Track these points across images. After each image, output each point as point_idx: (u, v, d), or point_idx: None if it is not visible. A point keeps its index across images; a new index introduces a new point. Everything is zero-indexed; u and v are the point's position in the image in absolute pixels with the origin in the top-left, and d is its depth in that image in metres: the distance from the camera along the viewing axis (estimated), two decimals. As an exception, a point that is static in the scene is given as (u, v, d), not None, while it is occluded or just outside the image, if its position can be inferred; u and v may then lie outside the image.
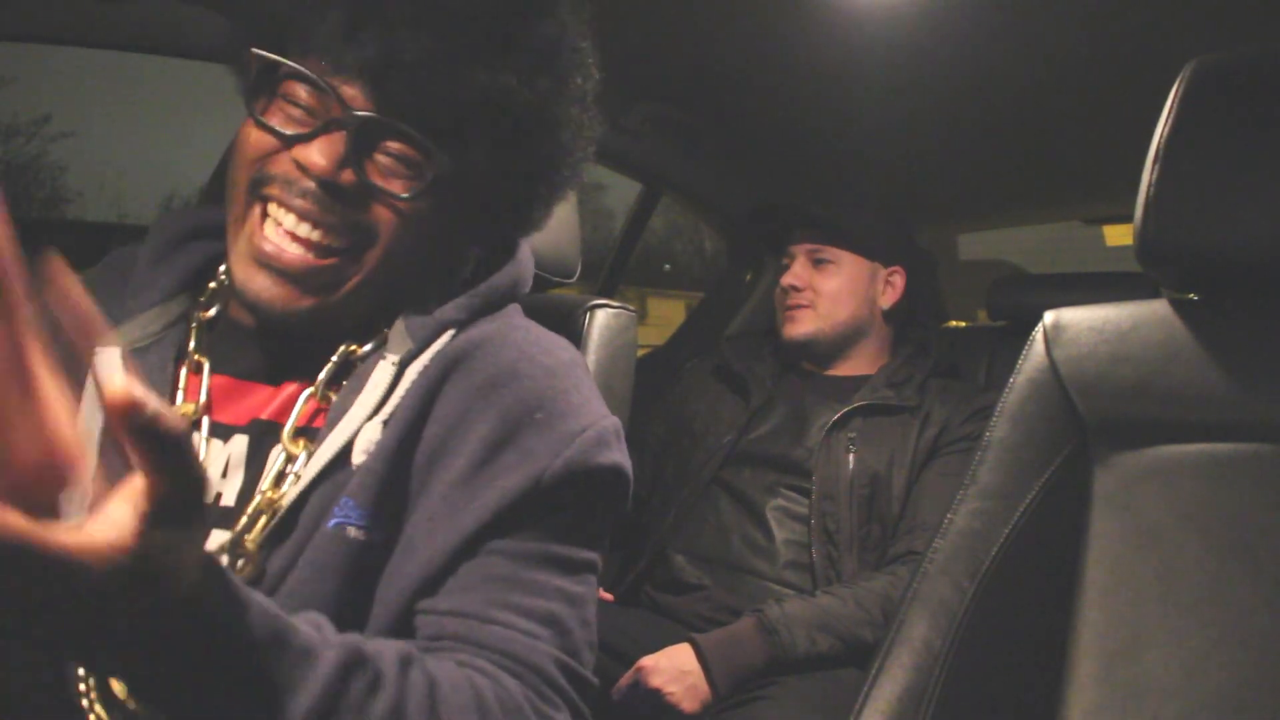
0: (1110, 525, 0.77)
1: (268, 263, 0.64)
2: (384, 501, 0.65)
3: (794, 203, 1.62)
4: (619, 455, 0.72)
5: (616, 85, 1.62)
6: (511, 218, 0.76)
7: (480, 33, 0.62)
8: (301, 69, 0.62)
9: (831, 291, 1.56)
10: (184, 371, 0.70)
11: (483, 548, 0.66)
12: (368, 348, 0.71)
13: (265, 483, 0.66)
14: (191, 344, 0.71)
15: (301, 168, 0.62)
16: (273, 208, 0.64)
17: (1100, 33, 1.35)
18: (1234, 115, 0.74)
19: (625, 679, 1.25)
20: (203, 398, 0.69)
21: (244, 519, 0.64)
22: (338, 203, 0.63)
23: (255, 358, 0.71)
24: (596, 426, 0.70)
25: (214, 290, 0.74)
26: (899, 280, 1.60)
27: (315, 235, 0.64)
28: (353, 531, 0.64)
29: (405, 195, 0.64)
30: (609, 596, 1.54)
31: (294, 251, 0.64)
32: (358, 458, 0.65)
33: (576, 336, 1.10)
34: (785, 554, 1.42)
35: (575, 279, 1.16)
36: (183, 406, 0.68)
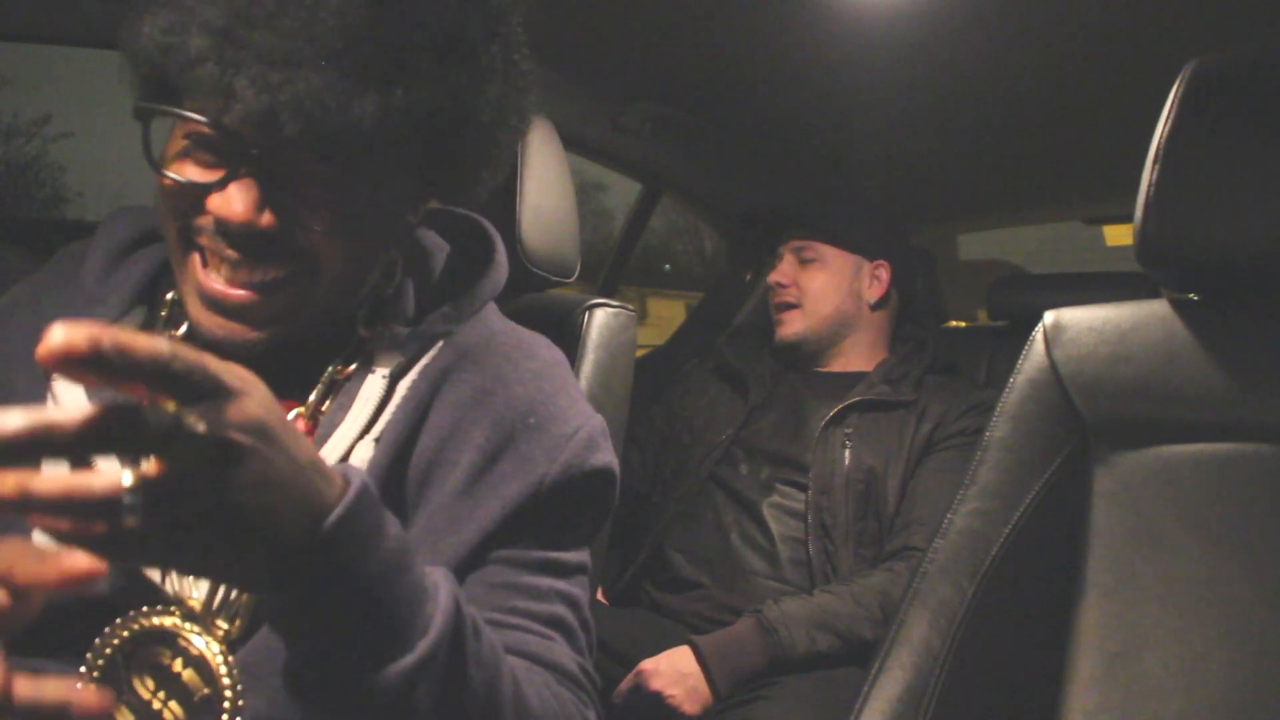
0: (1110, 525, 0.77)
1: (216, 301, 0.62)
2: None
3: (781, 203, 1.63)
4: (609, 455, 0.73)
5: (616, 85, 1.63)
6: (454, 190, 0.72)
7: (363, 58, 0.57)
8: (193, 116, 0.59)
9: (816, 288, 1.59)
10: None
11: (486, 557, 0.66)
12: (354, 366, 0.70)
13: None
14: None
15: (222, 219, 0.60)
16: (209, 254, 0.62)
17: (1100, 33, 1.35)
18: (1234, 115, 0.74)
19: (626, 682, 1.25)
20: None
21: None
22: (267, 243, 0.61)
23: None
24: (587, 428, 0.71)
25: (174, 302, 0.71)
26: (884, 274, 1.61)
27: (255, 276, 0.61)
28: None
29: (322, 229, 0.61)
30: (604, 601, 1.54)
31: (238, 293, 0.62)
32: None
33: (576, 336, 1.10)
34: (783, 550, 1.42)
35: (575, 279, 1.16)
36: None
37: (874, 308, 1.61)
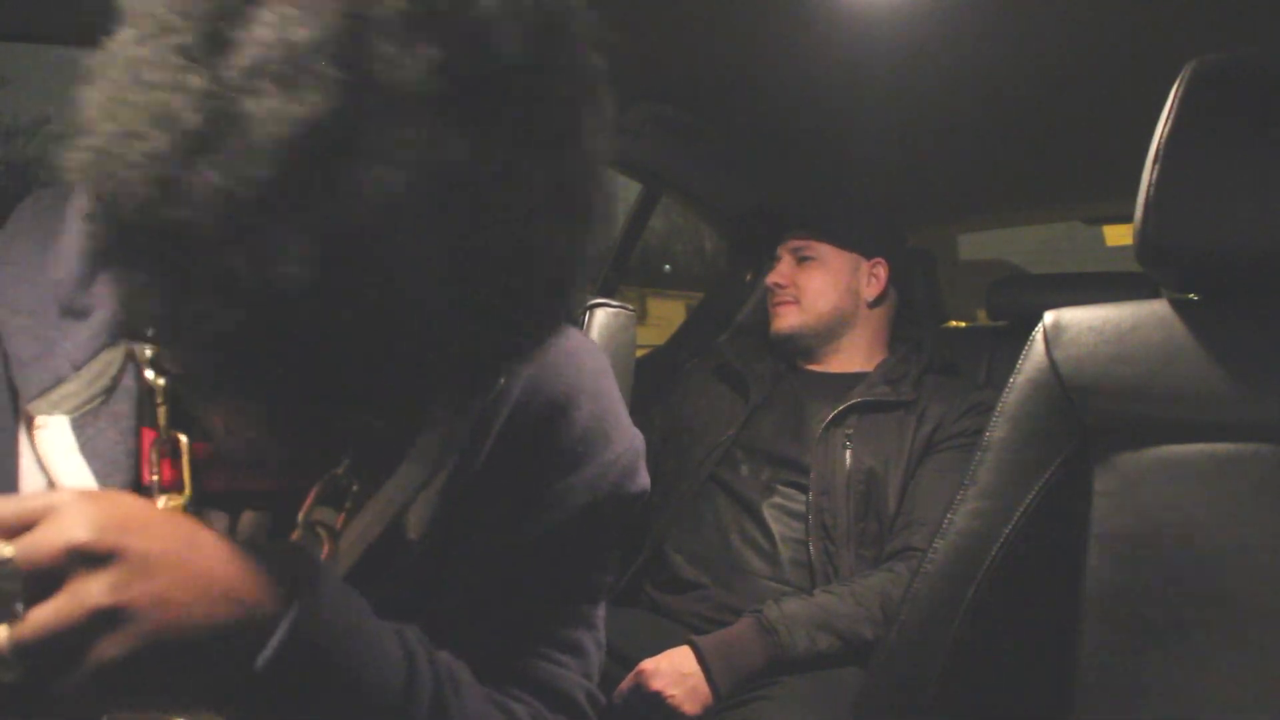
0: (1110, 525, 0.77)
1: None
2: (441, 569, 0.62)
3: (779, 204, 1.64)
4: (645, 477, 0.70)
5: (616, 85, 1.62)
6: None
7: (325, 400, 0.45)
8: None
9: (814, 286, 1.60)
10: (153, 445, 0.56)
11: (524, 582, 0.65)
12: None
13: None
14: (160, 420, 0.55)
15: None
16: None
17: (1100, 32, 1.35)
18: (1234, 115, 0.74)
19: (626, 682, 1.25)
20: (186, 475, 0.56)
21: None
22: None
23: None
24: (629, 451, 0.68)
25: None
26: (882, 272, 1.62)
27: None
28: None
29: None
30: None
31: None
32: (413, 532, 0.59)
33: (576, 336, 1.10)
34: (784, 551, 1.42)
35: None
36: (170, 497, 0.55)
37: (871, 305, 1.62)
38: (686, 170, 2.08)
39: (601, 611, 0.71)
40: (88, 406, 0.55)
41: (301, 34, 0.38)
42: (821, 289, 1.59)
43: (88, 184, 0.41)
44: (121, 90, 0.41)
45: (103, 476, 0.54)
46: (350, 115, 0.38)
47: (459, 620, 0.62)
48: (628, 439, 0.69)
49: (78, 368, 0.55)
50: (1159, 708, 0.70)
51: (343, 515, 0.58)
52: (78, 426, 0.54)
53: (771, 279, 1.64)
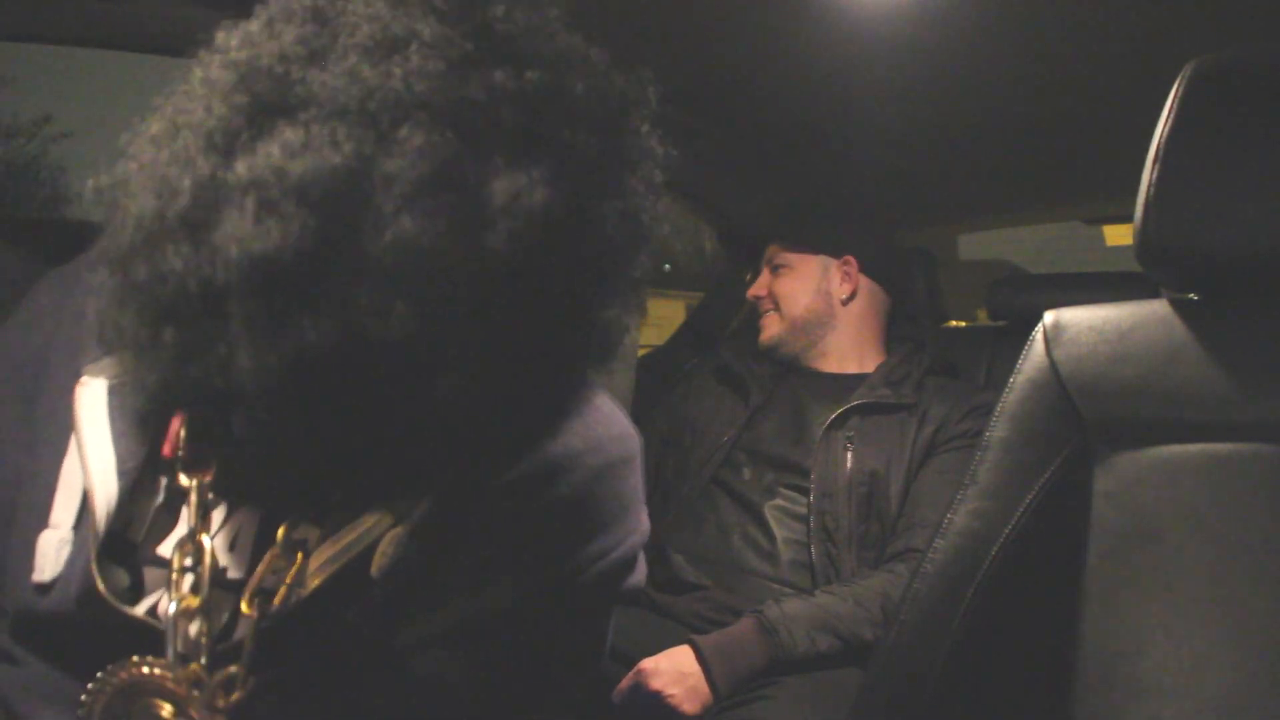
0: (1110, 525, 0.77)
1: None
2: (404, 612, 0.59)
3: (751, 222, 1.70)
4: (640, 574, 0.66)
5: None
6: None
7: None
8: None
9: (786, 292, 1.64)
10: (182, 423, 0.58)
11: (483, 657, 0.60)
12: None
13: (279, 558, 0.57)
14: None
15: None
16: None
17: (1100, 33, 1.35)
18: (1234, 115, 0.74)
19: (625, 681, 1.25)
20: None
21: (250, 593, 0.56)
22: None
23: None
24: (627, 545, 0.64)
25: None
26: (852, 269, 1.63)
27: None
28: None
29: None
30: None
31: None
32: (376, 568, 0.56)
33: (576, 337, 1.10)
34: (785, 553, 1.42)
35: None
36: (193, 474, 0.57)
37: (846, 303, 1.63)
38: (687, 170, 2.08)
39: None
40: (125, 378, 0.59)
41: (296, 165, 0.42)
42: (793, 294, 1.63)
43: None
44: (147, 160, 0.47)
45: (119, 436, 0.57)
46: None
47: (412, 685, 0.58)
48: (630, 528, 0.64)
49: None
50: (1159, 707, 0.70)
51: (318, 532, 0.57)
52: (113, 391, 0.58)
53: (751, 293, 1.69)
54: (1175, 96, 0.76)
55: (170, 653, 0.54)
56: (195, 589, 0.55)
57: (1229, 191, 0.73)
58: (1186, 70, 0.76)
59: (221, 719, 0.54)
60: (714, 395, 1.64)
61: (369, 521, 0.57)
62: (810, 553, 1.41)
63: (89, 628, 0.56)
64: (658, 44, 1.48)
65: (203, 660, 0.55)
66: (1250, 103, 0.73)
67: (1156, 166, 0.75)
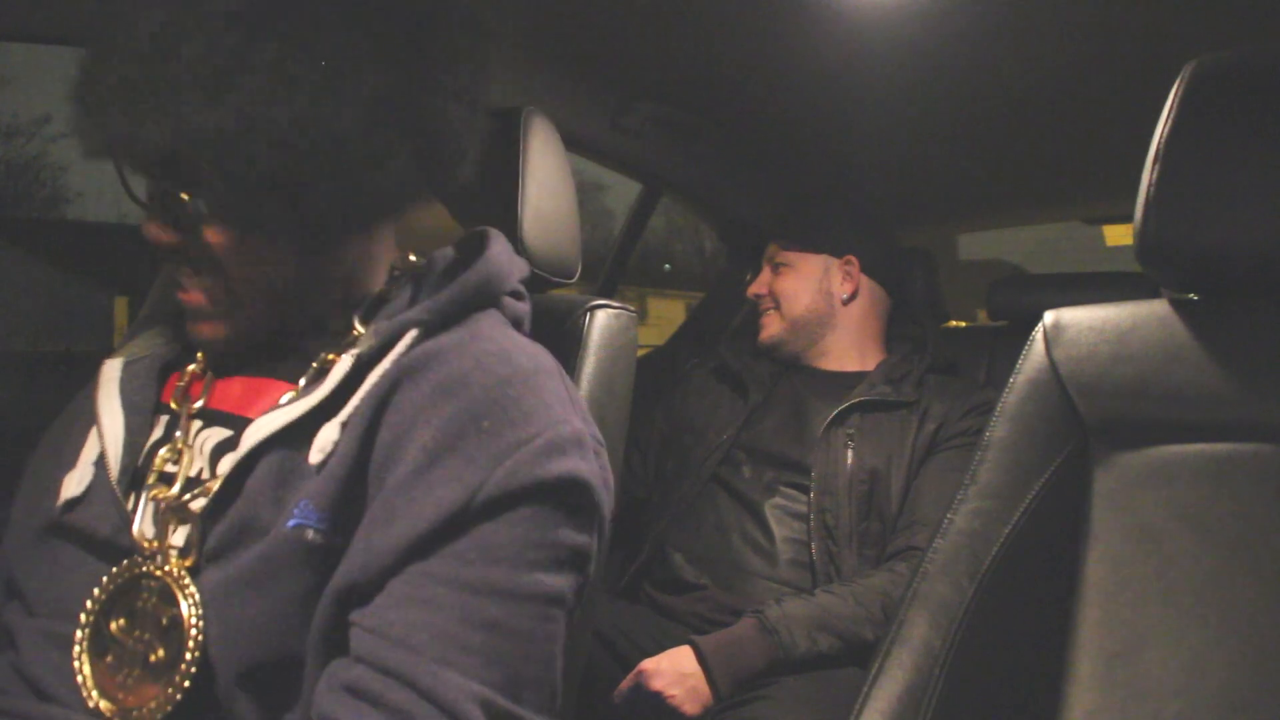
0: (1110, 525, 0.77)
1: (184, 307, 0.74)
2: (342, 506, 0.64)
3: (756, 220, 1.70)
4: (577, 462, 0.66)
5: (616, 85, 1.62)
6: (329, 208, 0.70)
7: (147, 93, 0.63)
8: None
9: (787, 291, 1.63)
10: (180, 375, 0.77)
11: (414, 566, 0.62)
12: (342, 355, 0.70)
13: (220, 465, 0.70)
14: (193, 367, 0.78)
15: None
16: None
17: (1100, 33, 1.35)
18: (1234, 115, 0.74)
19: (626, 682, 1.25)
20: (202, 400, 0.76)
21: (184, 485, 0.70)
22: (182, 256, 0.71)
23: (245, 364, 0.77)
24: (548, 434, 0.65)
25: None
26: (854, 269, 1.63)
27: (191, 283, 0.72)
28: (311, 534, 0.63)
29: (211, 240, 0.68)
30: None
31: (187, 297, 0.73)
32: (315, 456, 0.65)
33: (577, 338, 1.10)
34: (785, 552, 1.42)
35: (575, 279, 1.15)
36: (186, 407, 0.75)
37: (847, 302, 1.63)
38: (686, 170, 2.08)
39: (530, 625, 0.63)
40: (138, 357, 0.79)
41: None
42: (794, 293, 1.63)
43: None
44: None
45: (127, 393, 0.75)
46: None
47: (354, 591, 0.63)
48: (549, 422, 0.66)
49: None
50: (1159, 708, 0.70)
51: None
52: (126, 367, 0.77)
53: (751, 290, 1.69)
54: (1175, 96, 0.76)
55: (152, 529, 0.69)
56: (170, 482, 0.70)
57: (1229, 191, 0.73)
58: (1186, 70, 0.76)
59: (188, 583, 0.65)
60: (713, 394, 1.64)
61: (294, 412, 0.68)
62: (810, 551, 1.40)
63: (91, 542, 0.70)
64: (658, 44, 1.49)
65: (172, 531, 0.68)
66: (1250, 103, 0.73)
67: (1156, 166, 0.75)
